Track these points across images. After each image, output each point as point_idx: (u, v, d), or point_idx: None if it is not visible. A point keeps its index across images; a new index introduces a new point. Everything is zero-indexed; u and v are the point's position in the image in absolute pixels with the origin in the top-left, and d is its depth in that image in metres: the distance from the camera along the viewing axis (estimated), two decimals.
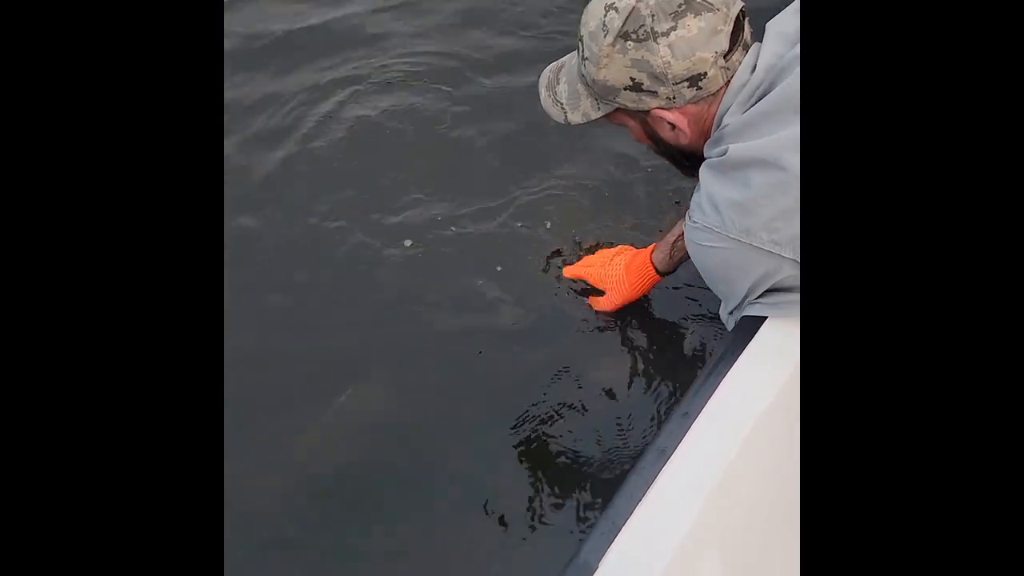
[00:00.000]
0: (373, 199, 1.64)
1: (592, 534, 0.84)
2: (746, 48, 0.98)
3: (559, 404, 1.35)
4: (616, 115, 1.06)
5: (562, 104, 1.09)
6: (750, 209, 0.90)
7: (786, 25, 0.97)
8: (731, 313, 1.04)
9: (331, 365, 1.41)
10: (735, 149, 0.92)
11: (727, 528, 0.89)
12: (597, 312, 1.42)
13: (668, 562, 0.80)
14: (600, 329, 1.42)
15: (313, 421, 1.34)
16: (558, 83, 1.11)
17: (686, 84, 0.96)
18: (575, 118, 1.08)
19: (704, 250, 0.98)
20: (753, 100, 0.94)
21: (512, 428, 1.32)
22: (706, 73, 0.96)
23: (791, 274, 0.92)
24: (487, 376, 1.38)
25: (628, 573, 0.79)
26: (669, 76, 0.96)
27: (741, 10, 0.98)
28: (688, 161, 1.09)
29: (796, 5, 0.97)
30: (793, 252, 0.89)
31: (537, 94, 1.14)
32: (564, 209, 1.57)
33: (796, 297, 0.94)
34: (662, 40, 0.93)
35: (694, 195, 1.00)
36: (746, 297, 0.98)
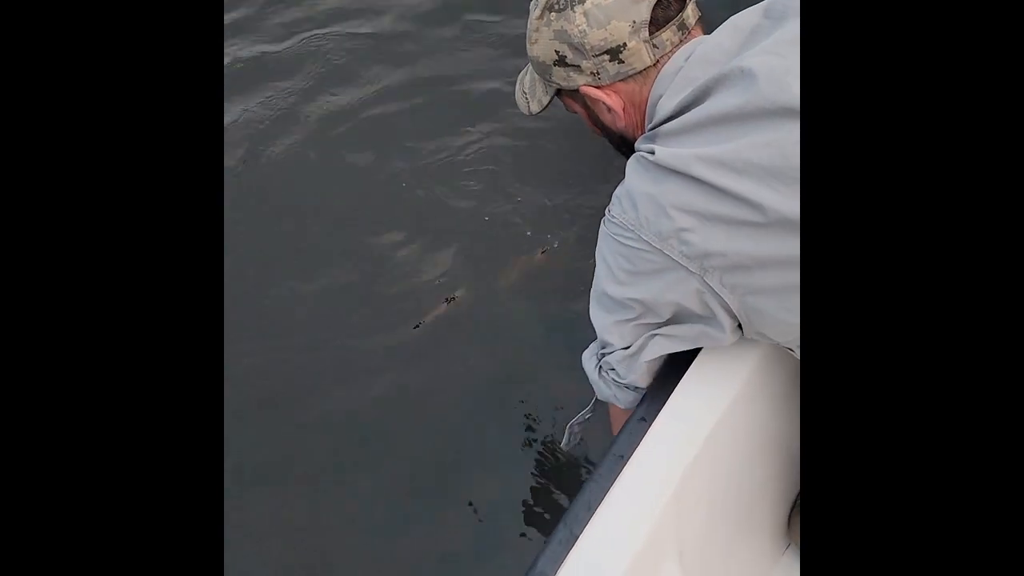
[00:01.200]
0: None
1: (549, 543, 0.82)
2: (683, 29, 0.92)
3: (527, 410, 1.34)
4: (566, 100, 1.05)
5: (526, 94, 1.08)
6: (665, 212, 0.83)
7: (742, 19, 0.92)
8: (603, 350, 0.97)
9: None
10: (661, 153, 0.85)
11: (686, 533, 0.88)
12: None
13: (626, 570, 0.79)
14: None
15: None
16: (526, 75, 1.10)
17: (607, 57, 0.92)
18: (534, 107, 1.06)
19: (614, 245, 0.90)
20: (687, 93, 0.86)
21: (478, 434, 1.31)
22: (625, 44, 0.90)
23: (693, 298, 0.85)
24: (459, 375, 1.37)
25: None
26: (587, 46, 0.91)
27: None
28: (627, 149, 1.03)
29: (763, 3, 0.92)
30: (699, 268, 0.82)
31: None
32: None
33: (690, 331, 0.89)
34: (578, 8, 0.90)
35: (617, 188, 0.93)
36: (637, 318, 0.90)
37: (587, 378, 1.01)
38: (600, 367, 0.98)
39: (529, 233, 1.55)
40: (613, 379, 0.97)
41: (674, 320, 0.90)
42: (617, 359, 0.94)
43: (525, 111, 1.08)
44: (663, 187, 0.84)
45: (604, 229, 0.92)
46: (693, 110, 0.85)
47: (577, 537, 0.80)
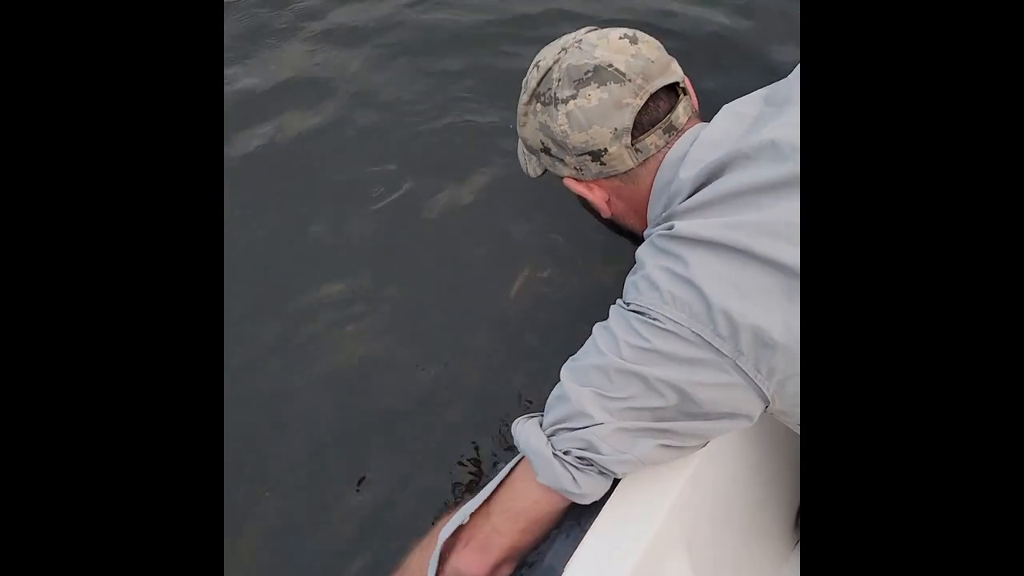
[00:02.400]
0: None
1: (556, 538, 0.81)
2: (671, 131, 0.89)
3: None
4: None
5: (525, 154, 1.06)
6: (692, 284, 0.74)
7: (742, 106, 0.88)
8: (565, 424, 0.79)
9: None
10: (683, 226, 0.78)
11: (696, 525, 0.87)
12: None
13: (637, 562, 0.77)
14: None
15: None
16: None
17: (588, 158, 0.90)
18: (530, 172, 1.05)
19: (627, 321, 0.78)
20: (699, 171, 0.82)
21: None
22: (606, 149, 0.88)
23: (717, 390, 0.74)
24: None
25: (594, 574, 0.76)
26: (569, 145, 0.90)
27: (675, 85, 0.90)
28: (627, 232, 1.01)
29: (760, 92, 0.90)
30: (732, 351, 0.72)
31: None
32: None
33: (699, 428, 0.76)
34: (561, 108, 0.88)
35: (628, 278, 0.84)
36: (632, 398, 0.76)
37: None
38: (553, 443, 0.79)
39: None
40: (576, 460, 0.78)
41: (683, 411, 0.75)
42: (603, 433, 0.77)
43: (524, 171, 1.08)
44: (689, 259, 0.75)
45: (614, 316, 0.81)
46: (709, 186, 0.80)
47: (586, 531, 0.79)
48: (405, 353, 1.27)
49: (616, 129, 0.87)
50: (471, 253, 1.35)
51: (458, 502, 0.89)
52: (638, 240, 0.91)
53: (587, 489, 0.79)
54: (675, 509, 0.82)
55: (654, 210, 0.91)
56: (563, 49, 0.91)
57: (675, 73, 0.91)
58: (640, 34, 0.92)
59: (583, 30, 0.94)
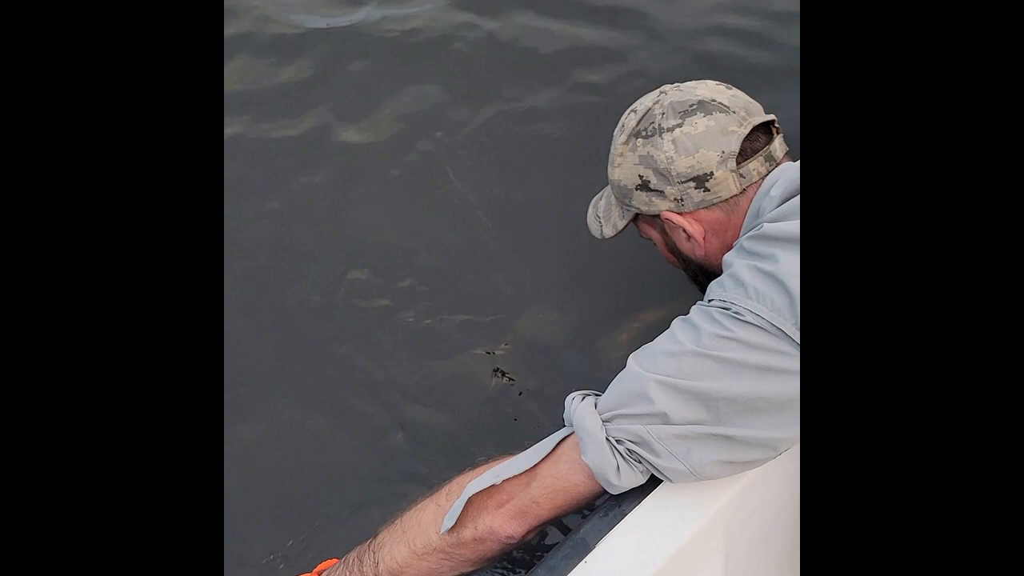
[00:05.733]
0: None
1: (595, 514, 0.81)
2: (771, 160, 0.92)
3: None
4: (642, 226, 1.04)
5: (599, 218, 1.09)
6: (778, 280, 0.74)
7: None
8: (626, 410, 0.78)
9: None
10: (771, 226, 0.79)
11: (736, 540, 0.85)
12: None
13: (673, 555, 0.76)
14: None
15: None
16: (601, 200, 1.11)
17: (692, 184, 0.92)
18: (607, 231, 1.06)
19: (709, 315, 0.78)
20: (789, 188, 0.84)
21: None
22: (712, 173, 0.90)
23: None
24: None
25: (621, 560, 0.76)
26: (673, 173, 0.92)
27: (771, 123, 0.94)
28: (704, 278, 0.98)
29: None
30: None
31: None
32: None
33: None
34: (667, 136, 0.92)
35: (711, 283, 0.84)
36: (717, 415, 0.74)
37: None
38: (608, 429, 0.79)
39: None
40: (627, 452, 0.78)
41: (750, 402, 0.74)
42: (661, 435, 0.75)
43: (597, 235, 1.09)
44: (779, 256, 0.75)
45: (695, 311, 0.81)
46: (797, 196, 0.83)
47: (625, 514, 0.79)
48: None
49: (723, 152, 0.90)
50: None
51: (479, 463, 0.89)
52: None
53: (625, 482, 0.79)
54: (719, 516, 0.80)
55: (744, 232, 0.90)
56: (661, 92, 0.97)
57: (769, 114, 0.95)
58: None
59: (670, 85, 0.98)
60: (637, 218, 1.03)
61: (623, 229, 1.04)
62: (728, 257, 0.84)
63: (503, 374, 1.28)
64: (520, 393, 1.25)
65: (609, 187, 1.07)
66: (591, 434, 0.79)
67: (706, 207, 0.93)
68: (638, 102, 0.99)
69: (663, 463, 0.76)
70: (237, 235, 1.44)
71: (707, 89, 0.94)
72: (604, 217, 1.07)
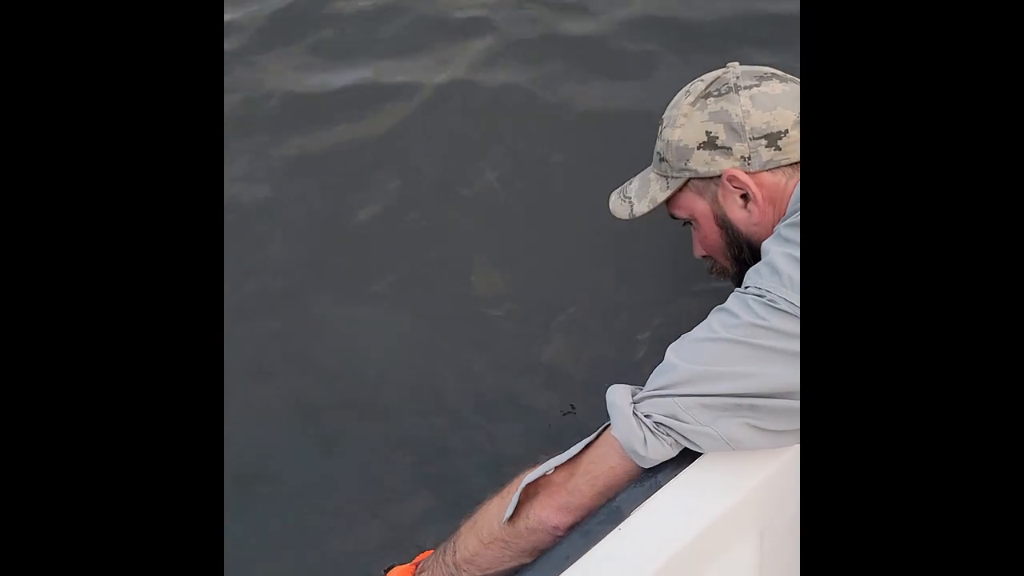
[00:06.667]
0: None
1: (629, 487, 0.82)
2: None
3: None
4: (684, 200, 1.02)
5: (630, 199, 1.08)
6: None
7: None
8: (664, 389, 0.80)
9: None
10: None
11: (772, 519, 0.85)
12: None
13: (706, 526, 0.77)
14: None
15: None
16: (629, 184, 1.11)
17: (764, 142, 0.92)
18: (641, 208, 1.05)
19: (746, 302, 0.79)
20: None
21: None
22: (787, 131, 0.91)
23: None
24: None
25: (655, 528, 0.77)
26: (747, 128, 0.92)
27: None
28: (751, 256, 0.98)
29: None
30: None
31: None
32: None
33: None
34: (744, 92, 0.94)
35: (749, 270, 0.86)
36: (745, 397, 0.76)
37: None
38: (636, 405, 0.82)
39: None
40: (654, 424, 0.80)
41: (778, 388, 0.75)
42: (686, 404, 0.78)
43: (625, 215, 1.08)
44: None
45: (731, 300, 0.83)
46: None
47: (661, 484, 0.80)
48: None
49: (799, 116, 0.90)
50: None
51: (540, 459, 0.91)
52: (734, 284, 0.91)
53: (653, 454, 0.80)
54: (756, 492, 0.81)
55: (787, 217, 0.90)
56: (729, 65, 0.99)
57: None
58: None
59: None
60: (679, 192, 1.02)
61: (663, 202, 1.03)
62: (766, 244, 0.86)
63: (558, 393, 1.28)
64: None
65: (636, 176, 1.09)
66: (618, 408, 0.82)
67: (771, 169, 0.94)
68: (703, 76, 1.00)
69: (691, 428, 0.77)
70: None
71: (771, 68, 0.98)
72: (638, 195, 1.07)
